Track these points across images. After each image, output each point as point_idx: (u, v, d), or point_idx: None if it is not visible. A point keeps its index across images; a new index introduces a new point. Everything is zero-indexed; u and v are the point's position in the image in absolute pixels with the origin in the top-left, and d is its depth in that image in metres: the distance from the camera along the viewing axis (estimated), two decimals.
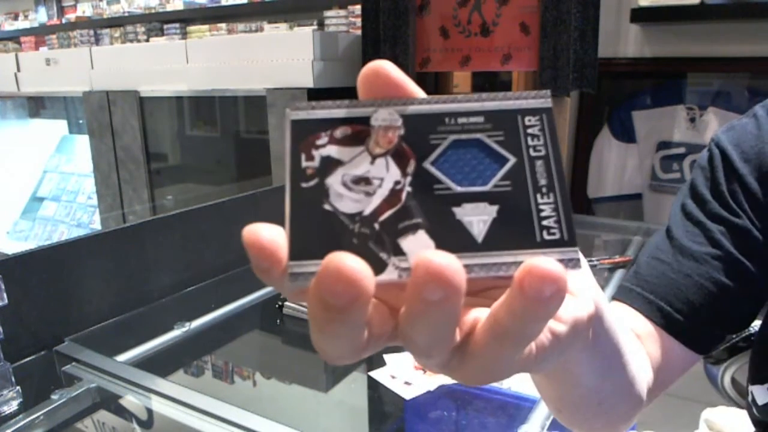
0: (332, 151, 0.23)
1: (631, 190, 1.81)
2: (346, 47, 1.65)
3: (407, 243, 0.21)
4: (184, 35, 3.22)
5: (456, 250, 0.21)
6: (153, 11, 3.36)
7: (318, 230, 0.21)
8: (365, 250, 0.21)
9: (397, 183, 0.22)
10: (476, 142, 0.23)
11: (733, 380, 0.78)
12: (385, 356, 0.77)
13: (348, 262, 0.18)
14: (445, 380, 0.73)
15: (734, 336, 0.74)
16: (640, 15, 1.62)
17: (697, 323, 0.50)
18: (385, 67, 0.23)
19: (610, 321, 0.33)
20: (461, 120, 0.23)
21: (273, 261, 0.20)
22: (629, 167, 1.80)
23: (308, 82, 1.52)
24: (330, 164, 0.22)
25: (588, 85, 1.36)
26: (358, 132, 0.23)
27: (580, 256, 0.22)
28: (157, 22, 3.35)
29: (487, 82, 1.76)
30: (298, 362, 0.94)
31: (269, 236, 0.20)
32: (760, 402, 0.55)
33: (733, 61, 1.59)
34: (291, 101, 1.51)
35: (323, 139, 0.23)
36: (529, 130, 0.23)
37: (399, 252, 0.21)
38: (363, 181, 0.22)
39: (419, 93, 0.24)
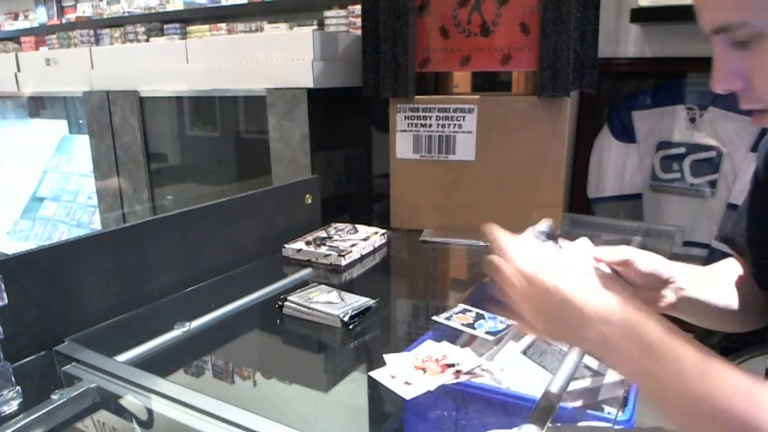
0: None
1: (631, 190, 1.81)
2: (346, 47, 1.65)
3: None
4: (184, 35, 3.22)
5: None
6: (153, 11, 3.36)
7: None
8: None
9: None
10: None
11: None
12: (385, 356, 0.77)
13: None
14: (445, 380, 0.73)
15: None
16: (640, 15, 1.62)
17: None
18: None
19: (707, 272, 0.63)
20: None
21: None
22: (629, 167, 1.80)
23: (308, 82, 1.52)
24: None
25: (588, 85, 1.35)
26: None
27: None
28: (157, 22, 3.36)
29: (487, 82, 1.76)
30: (298, 362, 0.94)
31: None
32: None
33: None
34: (291, 99, 1.51)
35: None
36: None
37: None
38: None
39: None
